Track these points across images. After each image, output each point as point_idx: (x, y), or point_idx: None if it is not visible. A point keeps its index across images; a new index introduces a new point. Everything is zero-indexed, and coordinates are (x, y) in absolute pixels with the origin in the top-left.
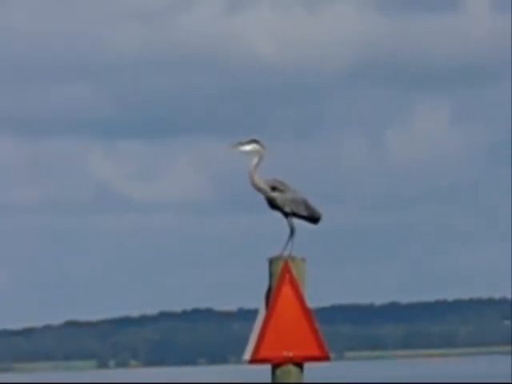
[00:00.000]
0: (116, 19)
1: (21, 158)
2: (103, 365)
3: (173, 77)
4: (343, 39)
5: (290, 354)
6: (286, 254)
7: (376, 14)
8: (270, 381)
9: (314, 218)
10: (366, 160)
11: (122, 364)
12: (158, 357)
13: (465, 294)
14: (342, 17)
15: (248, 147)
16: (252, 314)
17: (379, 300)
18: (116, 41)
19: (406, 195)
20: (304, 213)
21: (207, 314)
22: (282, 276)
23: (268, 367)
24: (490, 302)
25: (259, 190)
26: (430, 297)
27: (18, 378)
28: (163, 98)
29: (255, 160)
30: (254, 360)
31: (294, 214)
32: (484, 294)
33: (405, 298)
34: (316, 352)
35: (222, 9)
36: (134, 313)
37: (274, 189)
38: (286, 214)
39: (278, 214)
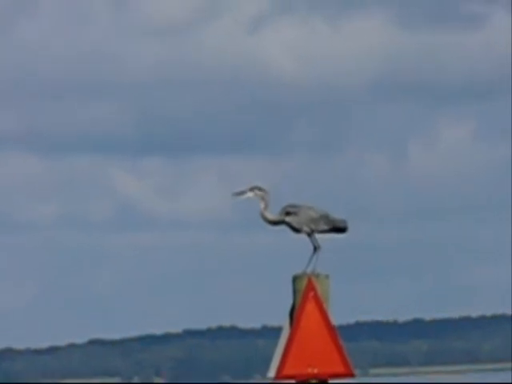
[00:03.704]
0: (138, 37)
1: (43, 176)
2: (127, 382)
3: (194, 94)
4: (365, 55)
5: (315, 371)
6: (309, 270)
7: (397, 29)
8: None
9: (338, 229)
10: (388, 176)
11: (147, 382)
12: (182, 374)
13: (489, 310)
14: (363, 32)
15: (250, 194)
16: (276, 331)
17: (403, 316)
18: (137, 58)
19: (430, 211)
20: (325, 227)
21: (231, 331)
22: (306, 293)
23: None
24: None
25: (276, 223)
26: (453, 313)
27: None
28: (184, 116)
29: (262, 205)
30: (278, 377)
31: (315, 232)
32: (508, 311)
33: (428, 315)
34: (340, 369)
35: (243, 26)
36: (158, 330)
37: (287, 214)
38: (307, 234)
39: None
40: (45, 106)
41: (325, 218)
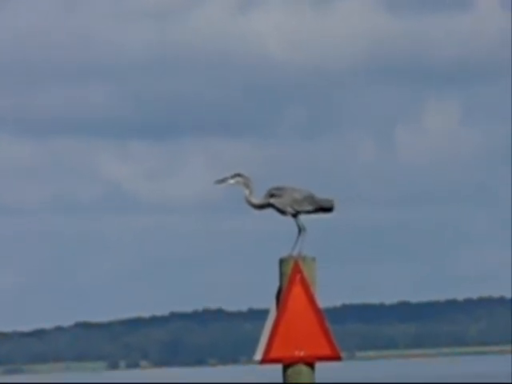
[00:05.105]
0: (128, 19)
1: (32, 159)
2: (114, 366)
3: (183, 77)
4: (354, 37)
5: (301, 354)
6: (295, 253)
7: (386, 12)
8: (281, 381)
9: (324, 209)
10: (377, 158)
11: (133, 365)
12: (168, 357)
13: (475, 293)
14: (352, 15)
15: (232, 181)
16: (263, 314)
17: (389, 299)
18: (128, 40)
19: (418, 194)
20: (309, 208)
21: (218, 314)
22: (292, 276)
23: (279, 367)
24: (501, 301)
25: (262, 207)
26: (440, 296)
27: (29, 379)
28: (173, 99)
29: (246, 191)
30: (265, 360)
31: (300, 213)
32: (494, 293)
33: (415, 298)
34: (327, 351)
35: (232, 8)
36: (145, 313)
37: (272, 196)
38: (292, 215)
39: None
40: (33, 89)
41: (309, 198)
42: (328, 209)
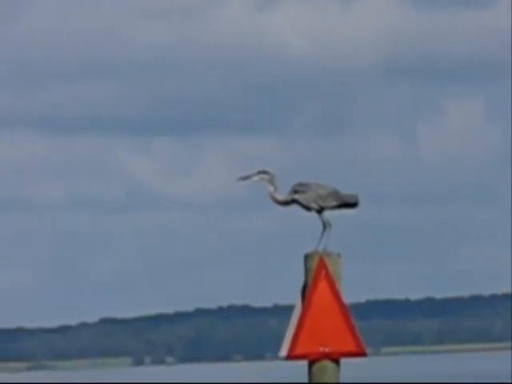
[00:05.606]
0: (147, 18)
1: (51, 156)
2: (139, 362)
3: (203, 75)
4: (374, 34)
5: (327, 350)
6: (320, 249)
7: (407, 9)
8: (306, 376)
9: (349, 204)
10: (399, 156)
11: (158, 361)
12: (193, 353)
13: (499, 289)
14: (373, 12)
15: (256, 178)
16: (288, 310)
17: (414, 295)
18: (146, 39)
19: (442, 191)
20: (334, 203)
21: (243, 310)
22: (317, 272)
23: (304, 363)
24: None
25: (286, 203)
26: (464, 292)
27: (53, 375)
28: (192, 96)
29: (271, 188)
30: (290, 356)
31: (325, 208)
32: None
33: (440, 294)
34: (352, 347)
35: (252, 5)
36: (170, 309)
37: (296, 192)
38: (317, 211)
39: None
40: (54, 86)
41: (334, 194)
42: (353, 204)
